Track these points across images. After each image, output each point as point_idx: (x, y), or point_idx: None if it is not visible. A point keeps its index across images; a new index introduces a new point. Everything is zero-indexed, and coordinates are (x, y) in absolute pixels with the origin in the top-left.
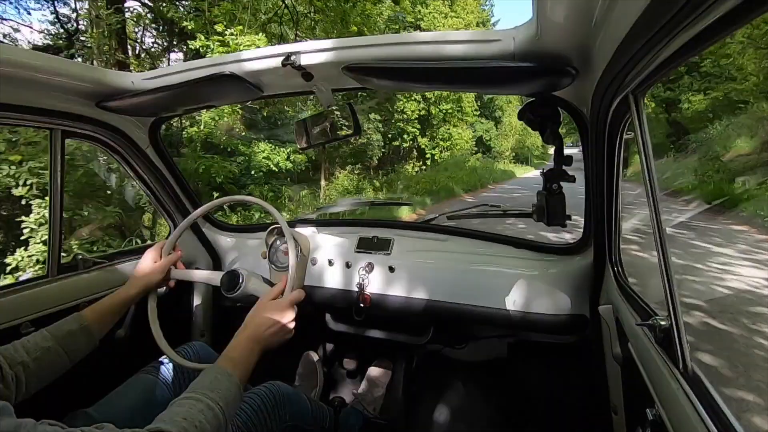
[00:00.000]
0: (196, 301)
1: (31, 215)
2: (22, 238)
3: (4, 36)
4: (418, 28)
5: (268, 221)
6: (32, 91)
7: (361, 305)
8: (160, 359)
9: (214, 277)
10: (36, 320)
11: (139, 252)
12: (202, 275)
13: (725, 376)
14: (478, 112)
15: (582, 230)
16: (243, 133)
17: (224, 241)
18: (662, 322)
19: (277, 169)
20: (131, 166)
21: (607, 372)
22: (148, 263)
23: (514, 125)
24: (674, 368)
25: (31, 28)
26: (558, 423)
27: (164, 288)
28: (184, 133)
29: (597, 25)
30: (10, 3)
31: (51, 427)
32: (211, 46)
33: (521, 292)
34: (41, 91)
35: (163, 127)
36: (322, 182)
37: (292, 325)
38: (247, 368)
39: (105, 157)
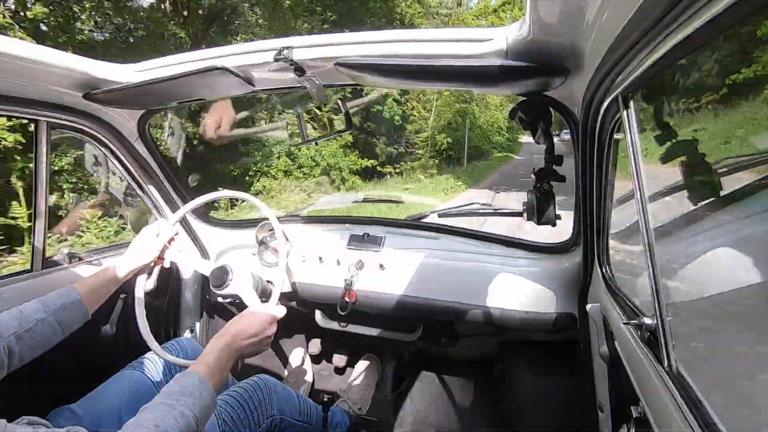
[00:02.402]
0: (184, 296)
1: None
2: None
3: None
4: None
5: (258, 217)
6: (18, 82)
7: (346, 300)
8: (146, 355)
9: (207, 266)
10: None
11: (125, 247)
12: (195, 261)
13: None
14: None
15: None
16: None
17: (214, 236)
18: (648, 322)
19: None
20: (119, 159)
21: (594, 370)
22: (145, 240)
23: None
24: (659, 367)
25: None
26: (545, 420)
27: (153, 283)
28: None
29: (588, 26)
30: None
31: (21, 428)
32: None
33: (511, 290)
34: (27, 81)
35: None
36: None
37: (269, 339)
38: (221, 375)
39: None
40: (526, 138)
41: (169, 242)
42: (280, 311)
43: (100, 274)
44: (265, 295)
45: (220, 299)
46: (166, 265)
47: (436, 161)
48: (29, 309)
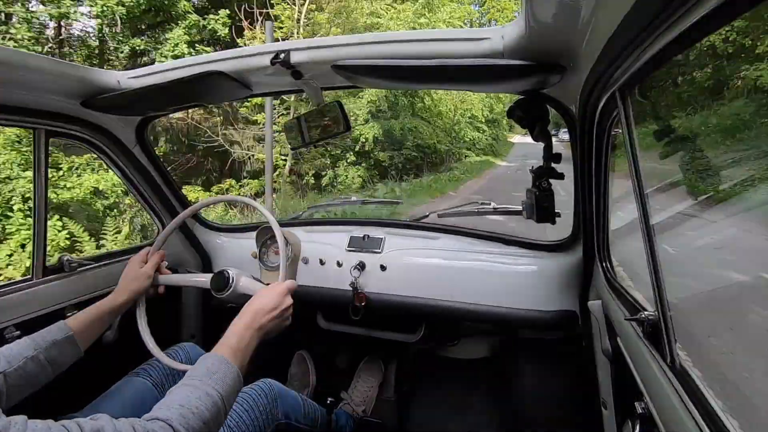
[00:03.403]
0: (186, 302)
1: None
2: None
3: None
4: None
5: (258, 221)
6: (15, 90)
7: (357, 304)
8: (149, 361)
9: (204, 279)
10: (21, 324)
11: (127, 253)
12: (191, 279)
13: None
14: None
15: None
16: None
17: (214, 241)
18: (650, 317)
19: None
20: (117, 166)
21: (596, 367)
22: (134, 269)
23: None
24: (662, 362)
25: None
26: (549, 418)
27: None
28: None
29: (584, 23)
30: None
31: (42, 422)
32: None
33: (512, 288)
34: (24, 89)
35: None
36: None
37: (289, 311)
38: (245, 356)
39: None
40: (518, 138)
41: (158, 269)
42: (292, 282)
43: (93, 310)
44: None
45: (222, 303)
46: (161, 291)
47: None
48: (18, 346)
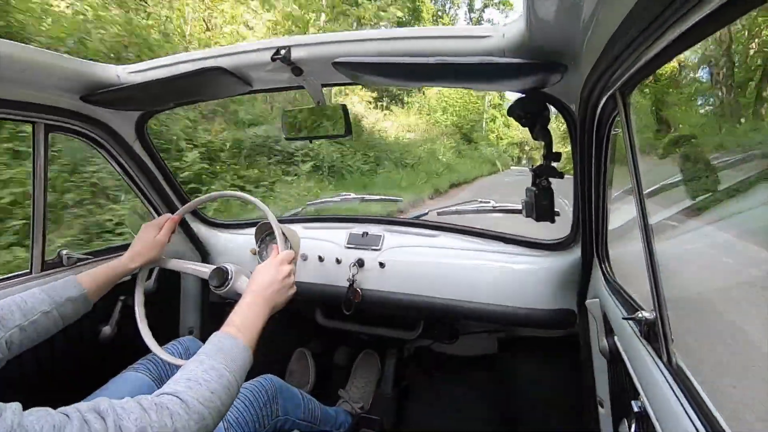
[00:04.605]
0: (184, 297)
1: None
2: None
3: None
4: None
5: (257, 218)
6: (14, 84)
7: (351, 298)
8: (147, 356)
9: (205, 270)
10: None
11: (125, 249)
12: (192, 266)
13: None
14: None
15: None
16: None
17: (213, 237)
18: (648, 316)
19: None
20: (117, 161)
21: (593, 365)
22: (150, 237)
23: None
24: (659, 361)
25: None
26: (546, 416)
27: (153, 284)
28: None
29: (585, 22)
30: None
31: (42, 408)
32: None
33: (511, 287)
34: (23, 83)
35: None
36: None
37: (290, 279)
38: (252, 331)
39: None
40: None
41: (172, 231)
42: (288, 253)
43: (105, 270)
44: None
45: (220, 299)
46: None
47: None
48: (34, 300)
